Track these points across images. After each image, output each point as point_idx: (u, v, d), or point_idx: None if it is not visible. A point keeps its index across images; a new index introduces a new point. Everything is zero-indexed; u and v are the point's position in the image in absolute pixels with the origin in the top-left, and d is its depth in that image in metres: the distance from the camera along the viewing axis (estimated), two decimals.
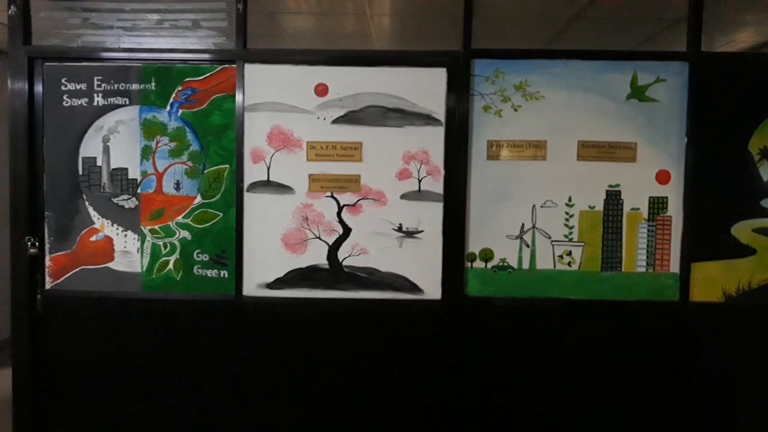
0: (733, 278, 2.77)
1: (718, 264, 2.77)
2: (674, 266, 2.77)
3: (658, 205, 2.76)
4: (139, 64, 2.76)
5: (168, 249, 2.81)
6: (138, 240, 2.81)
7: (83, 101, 2.77)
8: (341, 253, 2.78)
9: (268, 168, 2.76)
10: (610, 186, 2.76)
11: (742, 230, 2.76)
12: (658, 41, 3.72)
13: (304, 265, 2.78)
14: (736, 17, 3.29)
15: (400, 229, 2.77)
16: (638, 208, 2.76)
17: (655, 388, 2.78)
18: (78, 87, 2.77)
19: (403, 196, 2.76)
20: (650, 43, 3.76)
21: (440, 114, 2.74)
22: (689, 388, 2.78)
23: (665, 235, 2.77)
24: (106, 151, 2.79)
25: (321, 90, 2.73)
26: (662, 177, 2.75)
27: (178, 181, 2.80)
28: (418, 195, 2.76)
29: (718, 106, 2.72)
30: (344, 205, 2.77)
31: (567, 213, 2.77)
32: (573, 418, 2.80)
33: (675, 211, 2.76)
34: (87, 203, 2.81)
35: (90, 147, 2.79)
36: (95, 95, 2.77)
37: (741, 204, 2.75)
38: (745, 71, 2.73)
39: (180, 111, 2.77)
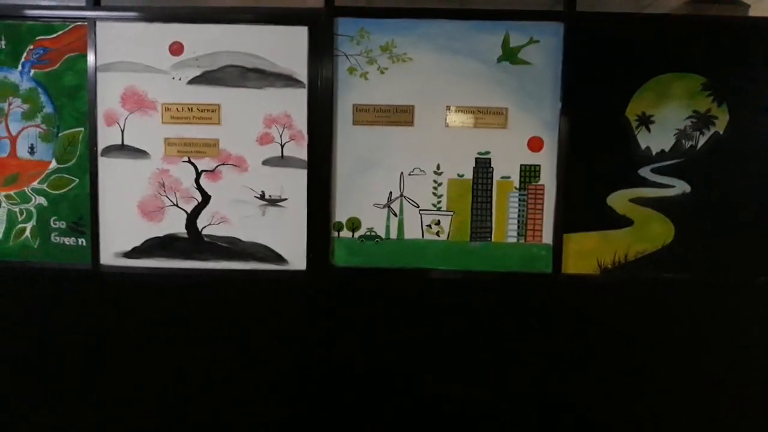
0: (608, 250, 2.67)
1: (594, 235, 2.67)
2: (547, 237, 2.67)
3: (529, 173, 2.65)
4: None
5: (24, 216, 2.71)
6: None
7: None
8: (200, 222, 2.67)
9: (123, 131, 2.63)
10: (479, 153, 2.64)
11: (619, 200, 2.65)
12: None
13: (161, 234, 2.67)
14: None
15: (262, 196, 2.66)
16: (509, 177, 2.65)
17: (527, 361, 2.70)
18: None
19: (266, 162, 2.65)
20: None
21: (303, 75, 2.60)
22: (562, 361, 2.70)
23: (537, 205, 2.66)
24: None
25: (176, 49, 2.60)
26: (534, 144, 2.64)
27: (32, 144, 2.68)
28: (281, 161, 2.65)
29: (594, 70, 2.59)
30: (202, 171, 2.65)
31: (435, 181, 2.66)
32: (442, 390, 2.72)
33: (548, 179, 2.64)
34: None
35: None
36: None
37: (618, 173, 2.64)
38: (625, 33, 2.59)
39: (32, 71, 2.64)
